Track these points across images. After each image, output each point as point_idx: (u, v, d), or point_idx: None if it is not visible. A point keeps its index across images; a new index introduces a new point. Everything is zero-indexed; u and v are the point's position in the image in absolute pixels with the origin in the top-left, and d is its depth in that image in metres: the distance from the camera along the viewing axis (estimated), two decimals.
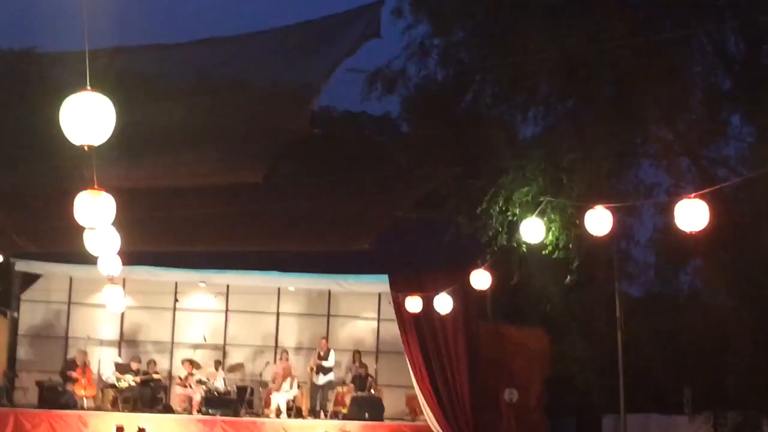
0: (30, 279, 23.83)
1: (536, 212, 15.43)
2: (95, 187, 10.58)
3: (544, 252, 16.95)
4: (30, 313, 24.43)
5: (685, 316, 21.49)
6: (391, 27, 15.72)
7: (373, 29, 10.58)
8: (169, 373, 24.28)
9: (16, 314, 23.80)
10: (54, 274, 23.55)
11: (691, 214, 11.06)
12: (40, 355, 24.24)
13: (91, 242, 13.17)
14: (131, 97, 9.64)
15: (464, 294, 19.91)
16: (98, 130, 8.03)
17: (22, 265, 22.68)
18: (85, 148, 8.12)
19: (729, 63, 16.28)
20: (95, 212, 10.65)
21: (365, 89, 18.33)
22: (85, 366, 22.59)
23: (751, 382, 17.47)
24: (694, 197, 11.07)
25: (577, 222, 14.88)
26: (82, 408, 21.85)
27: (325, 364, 23.17)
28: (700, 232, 11.15)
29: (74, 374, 22.17)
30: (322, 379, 23.16)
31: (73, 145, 8.14)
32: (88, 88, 7.96)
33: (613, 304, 18.98)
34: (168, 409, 22.48)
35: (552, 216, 16.33)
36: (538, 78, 16.21)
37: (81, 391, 22.16)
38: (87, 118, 7.95)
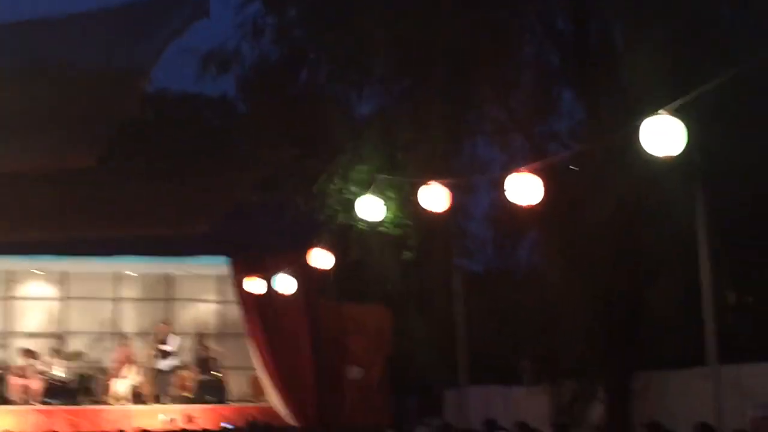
0: None
1: (372, 190, 15.51)
2: None
3: (381, 229, 17.10)
4: None
5: (522, 290, 21.92)
6: (223, 6, 15.59)
7: (202, 10, 10.50)
8: (5, 363, 23.67)
9: None
10: None
11: (524, 188, 11.25)
12: None
13: None
14: None
15: (305, 274, 19.89)
16: None
17: None
18: None
19: (558, 41, 16.65)
20: None
21: (200, 70, 18.15)
22: None
23: (587, 353, 17.91)
24: (526, 171, 11.27)
25: (413, 199, 15.02)
26: None
27: (165, 348, 22.92)
28: (534, 205, 11.37)
29: None
30: (164, 364, 22.90)
31: None
32: None
33: (452, 280, 19.27)
34: (5, 401, 21.94)
35: (389, 193, 16.45)
36: (374, 57, 16.30)
37: None
38: None
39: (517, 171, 11.42)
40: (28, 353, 22.70)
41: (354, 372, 21.97)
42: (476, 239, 22.71)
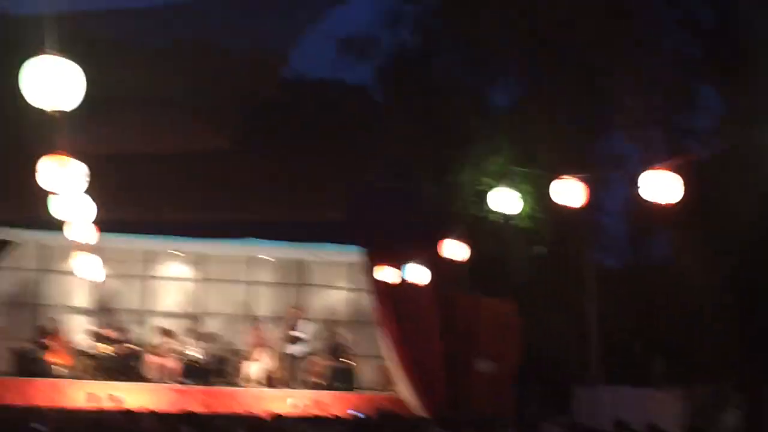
0: (1, 247, 23.68)
1: (505, 182, 15.44)
2: (59, 151, 10.56)
3: (514, 222, 17.00)
4: (1, 280, 24.31)
5: (657, 288, 21.55)
6: None
7: None
8: (143, 341, 24.23)
9: None
10: (25, 241, 23.42)
11: (661, 185, 11.09)
12: (13, 324, 24.12)
13: (56, 208, 13.11)
14: (99, 62, 9.60)
15: (436, 264, 19.91)
16: (66, 95, 7.99)
17: None
18: (55, 113, 8.11)
19: (700, 33, 16.28)
20: (59, 177, 10.62)
21: (337, 56, 18.29)
22: (58, 334, 22.56)
23: (725, 356, 17.54)
24: (664, 168, 11.08)
25: (547, 193, 14.89)
26: (57, 376, 21.84)
27: (295, 333, 23.13)
28: (670, 203, 11.18)
29: (47, 342, 22.14)
30: (294, 349, 23.13)
31: (40, 109, 8.12)
32: (51, 51, 7.91)
33: (584, 274, 19.03)
34: (142, 378, 22.46)
35: (523, 186, 16.35)
36: (510, 49, 16.20)
37: (54, 359, 22.14)
38: (52, 82, 7.91)
39: (653, 167, 11.24)
40: (165, 332, 23.18)
41: (483, 364, 21.87)
42: (610, 234, 22.39)
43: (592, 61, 15.93)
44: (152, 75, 11.68)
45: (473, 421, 17.85)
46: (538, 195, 16.29)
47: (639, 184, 11.06)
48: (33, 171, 11.14)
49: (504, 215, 16.00)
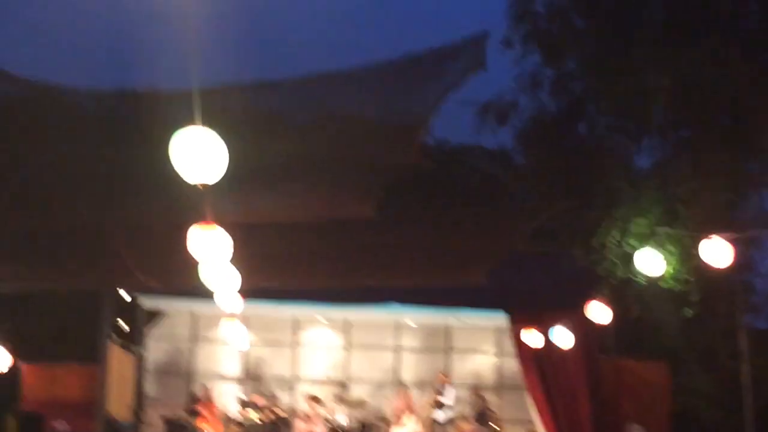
0: (155, 316, 24.36)
1: (651, 243, 15.25)
2: (208, 221, 10.84)
3: (661, 284, 16.72)
4: (155, 349, 24.95)
5: None
6: (500, 57, 15.77)
7: (479, 62, 10.60)
8: (291, 409, 24.53)
9: (142, 351, 24.31)
10: (177, 310, 24.04)
11: None
12: (166, 392, 24.69)
13: (206, 277, 13.44)
14: (244, 134, 9.86)
15: (583, 327, 19.72)
16: (211, 168, 8.23)
17: (147, 302, 23.15)
18: (200, 186, 8.36)
19: None
20: (208, 246, 10.90)
21: (477, 122, 18.38)
22: (210, 402, 23.00)
23: None
24: None
25: (695, 253, 14.65)
26: None
27: (442, 399, 23.12)
28: None
29: (199, 409, 22.58)
30: (440, 415, 23.11)
31: (188, 182, 8.38)
32: (198, 124, 8.18)
33: (736, 336, 18.56)
34: None
35: (669, 247, 16.10)
36: (652, 107, 16.06)
37: (206, 427, 22.55)
38: (198, 154, 8.16)
39: None
40: (313, 399, 23.42)
41: (635, 430, 21.44)
42: (763, 295, 21.81)
43: (738, 114, 15.65)
44: (297, 146, 11.90)
45: None
46: (685, 256, 16.01)
47: None
48: (182, 241, 11.45)
49: (650, 277, 15.77)
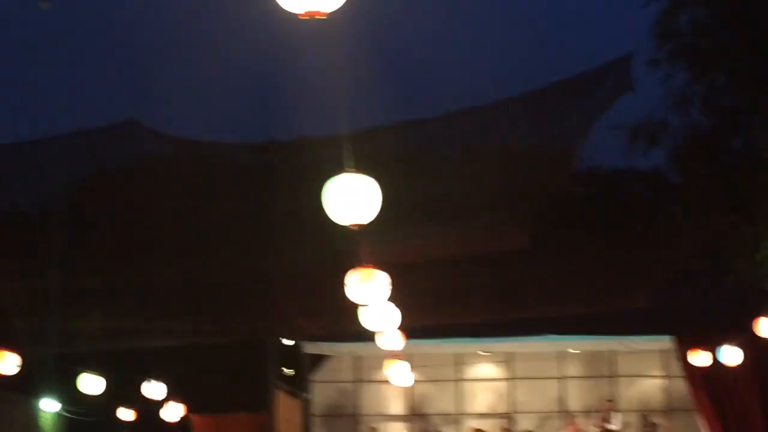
0: (318, 360, 24.61)
1: None
2: (365, 264, 10.93)
3: None
4: (321, 393, 25.20)
5: None
6: (647, 77, 15.52)
7: (626, 83, 10.50)
8: None
9: (307, 395, 24.58)
10: (340, 353, 24.24)
11: None
12: None
13: (367, 319, 13.53)
14: (395, 173, 9.92)
15: (753, 345, 19.22)
16: (364, 209, 8.31)
17: (310, 347, 23.42)
18: (353, 227, 8.44)
19: None
20: (367, 289, 10.99)
21: (628, 144, 18.07)
22: None
23: None
24: None
25: None
26: None
27: (610, 426, 22.74)
28: None
29: None
30: None
31: (343, 225, 8.47)
32: (349, 169, 8.27)
33: None
34: None
35: None
36: None
37: None
38: (350, 198, 8.26)
39: None
40: None
41: None
42: None
43: None
44: (449, 182, 11.95)
45: None
46: None
47: None
48: (341, 286, 11.57)
49: None
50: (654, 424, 23.11)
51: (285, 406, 22.53)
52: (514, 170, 11.94)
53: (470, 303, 17.99)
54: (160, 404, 22.47)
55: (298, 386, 23.83)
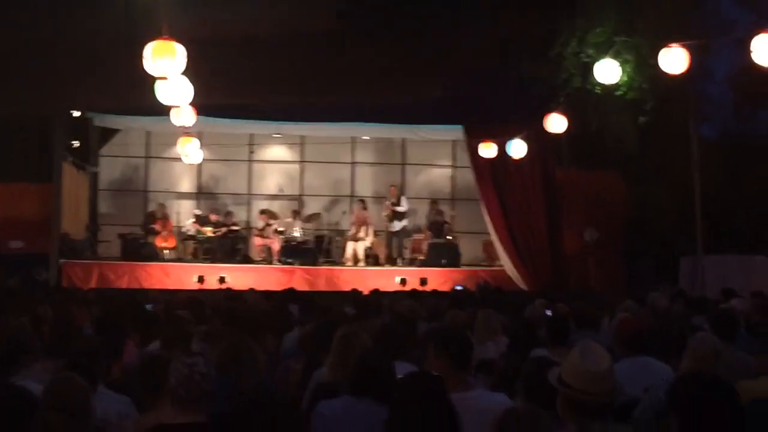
0: (108, 134, 24.12)
1: (610, 53, 15.17)
2: (165, 37, 10.62)
3: (617, 93, 16.74)
4: (109, 167, 24.86)
5: (762, 156, 21.16)
6: None
7: None
8: (247, 223, 24.65)
9: (95, 169, 24.18)
10: (131, 127, 23.79)
11: None
12: (121, 209, 24.70)
13: (162, 93, 13.22)
14: None
15: (539, 139, 19.79)
16: None
17: (99, 120, 22.89)
18: None
19: None
20: (164, 62, 10.71)
21: None
22: (165, 218, 23.01)
23: None
24: None
25: (651, 62, 14.60)
26: (164, 259, 22.36)
27: (398, 209, 23.12)
28: None
29: (155, 227, 22.61)
30: (397, 226, 23.19)
31: None
32: None
33: (689, 145, 18.73)
34: (247, 259, 22.86)
35: (626, 56, 16.06)
36: None
37: (162, 243, 22.64)
38: None
39: (763, 31, 10.98)
40: (269, 214, 23.45)
41: (591, 233, 21.72)
42: (716, 103, 21.95)
43: None
44: None
45: (578, 293, 17.87)
46: (643, 64, 15.98)
47: (751, 49, 10.79)
48: (136, 57, 11.22)
49: (608, 86, 15.76)
50: (441, 211, 23.67)
51: (71, 179, 22.10)
52: None
53: (268, 85, 17.85)
54: None
55: (86, 159, 23.35)
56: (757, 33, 11.11)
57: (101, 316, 9.64)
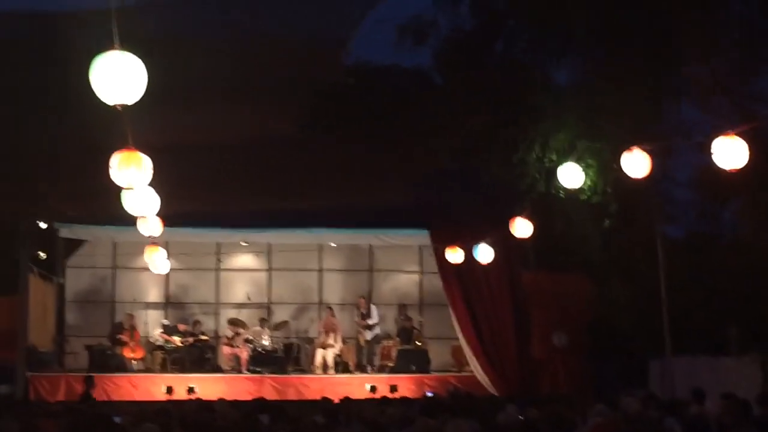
0: (74, 245, 24.02)
1: (572, 157, 15.35)
2: (130, 147, 10.66)
3: (582, 197, 16.89)
4: (76, 278, 24.72)
5: (727, 256, 21.30)
6: None
7: None
8: (216, 333, 24.53)
9: (62, 280, 24.04)
10: (98, 238, 23.70)
11: (730, 152, 11.02)
12: (88, 320, 24.51)
13: (129, 203, 13.25)
14: (162, 54, 9.68)
15: (505, 243, 19.85)
16: (130, 89, 8.12)
17: (65, 231, 22.78)
18: (118, 107, 8.22)
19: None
20: (131, 172, 10.74)
21: (397, 41, 18.23)
22: (133, 329, 22.87)
23: None
24: (733, 135, 11.01)
25: (615, 165, 14.77)
26: (132, 371, 22.15)
27: (369, 322, 23.28)
28: (739, 169, 11.10)
29: (123, 337, 22.45)
30: (369, 335, 23.29)
31: (107, 104, 8.22)
32: (117, 47, 8.02)
33: (654, 246, 18.87)
34: (216, 369, 22.71)
35: (589, 161, 16.25)
36: (573, 23, 16.05)
37: (130, 354, 22.46)
38: (117, 77, 8.05)
39: (723, 134, 11.15)
40: (237, 323, 23.40)
41: (560, 338, 21.70)
42: (680, 205, 22.21)
43: (658, 29, 15.72)
44: (217, 66, 11.77)
45: (549, 397, 17.81)
46: (606, 168, 16.16)
47: (712, 151, 10.95)
48: (101, 167, 11.25)
49: (572, 190, 15.92)
50: (409, 317, 23.70)
51: (38, 290, 21.98)
52: (284, 59, 11.87)
53: (232, 192, 17.91)
54: None
55: (52, 270, 23.23)
56: (717, 135, 11.26)
57: (69, 429, 9.51)
